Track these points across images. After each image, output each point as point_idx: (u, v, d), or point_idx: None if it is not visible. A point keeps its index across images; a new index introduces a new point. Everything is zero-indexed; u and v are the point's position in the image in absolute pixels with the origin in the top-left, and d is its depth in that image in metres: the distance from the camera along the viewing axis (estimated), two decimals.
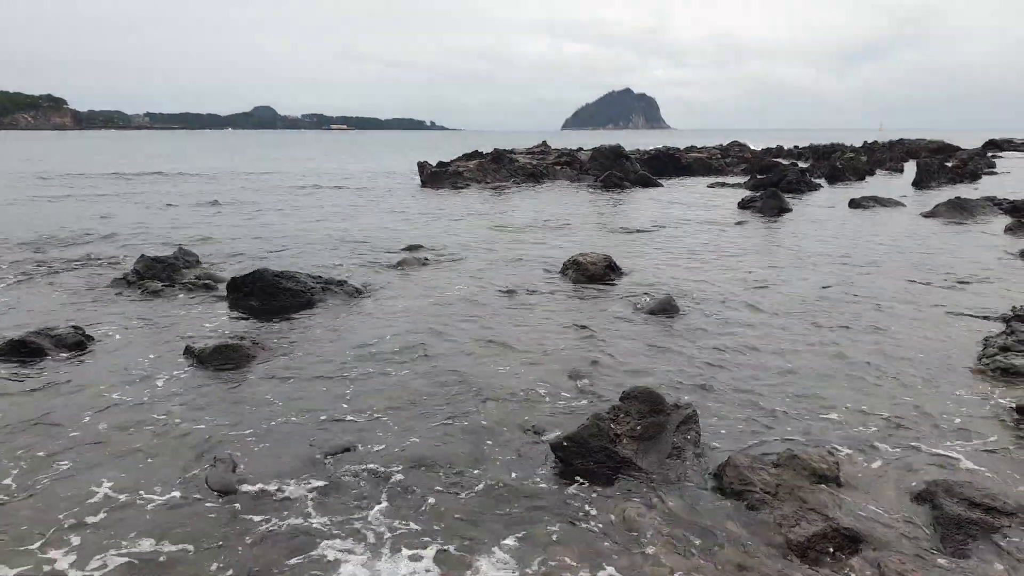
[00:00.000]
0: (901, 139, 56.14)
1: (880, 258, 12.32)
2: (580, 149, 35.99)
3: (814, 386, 6.29)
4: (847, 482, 4.55)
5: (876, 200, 20.82)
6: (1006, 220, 16.27)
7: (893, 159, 40.30)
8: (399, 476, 4.69)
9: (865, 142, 56.78)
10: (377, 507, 4.33)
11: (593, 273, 10.78)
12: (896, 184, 28.46)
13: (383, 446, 5.13)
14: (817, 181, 28.01)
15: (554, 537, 4.02)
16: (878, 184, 28.50)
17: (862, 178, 30.72)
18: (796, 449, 4.71)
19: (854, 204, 20.45)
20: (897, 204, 20.51)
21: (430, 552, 3.89)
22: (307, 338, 7.77)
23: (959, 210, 17.78)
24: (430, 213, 19.78)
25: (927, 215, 18.05)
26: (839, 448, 5.06)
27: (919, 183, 27.14)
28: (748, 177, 29.40)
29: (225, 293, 9.48)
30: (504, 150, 31.90)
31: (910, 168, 32.78)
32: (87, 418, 5.59)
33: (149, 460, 4.91)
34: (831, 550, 3.83)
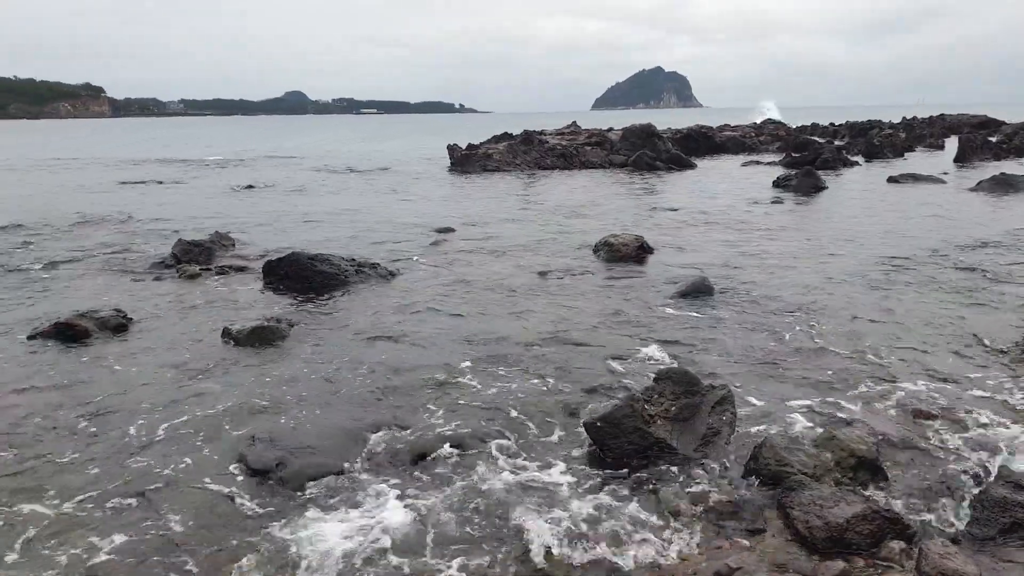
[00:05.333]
0: (942, 114, 54.60)
1: (920, 236, 12.04)
2: (611, 129, 35.64)
3: (852, 367, 6.19)
4: (887, 464, 4.48)
5: (915, 177, 20.36)
6: None
7: (933, 135, 39.28)
8: (435, 455, 4.74)
9: (904, 118, 55.41)
10: (414, 487, 4.37)
11: (625, 254, 10.71)
12: (936, 161, 27.76)
13: (420, 425, 5.17)
14: (854, 159, 27.45)
15: (588, 519, 4.03)
16: (917, 161, 27.83)
17: (901, 155, 30.02)
18: (834, 430, 4.65)
19: (892, 181, 20.02)
20: (937, 181, 20.02)
21: (467, 529, 3.92)
22: (342, 319, 7.84)
23: (1004, 186, 17.30)
24: (461, 196, 19.80)
25: (971, 190, 17.62)
26: (879, 428, 4.98)
27: (961, 159, 26.42)
28: (783, 155, 28.90)
29: (261, 275, 9.61)
30: (534, 131, 31.70)
31: (951, 144, 31.92)
32: (129, 399, 5.72)
33: (190, 440, 5.00)
34: (870, 532, 3.77)
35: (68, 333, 7.10)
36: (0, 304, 8.56)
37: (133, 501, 4.21)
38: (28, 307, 8.45)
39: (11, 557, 3.71)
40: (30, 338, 7.10)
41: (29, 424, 5.26)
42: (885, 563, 3.57)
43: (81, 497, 4.25)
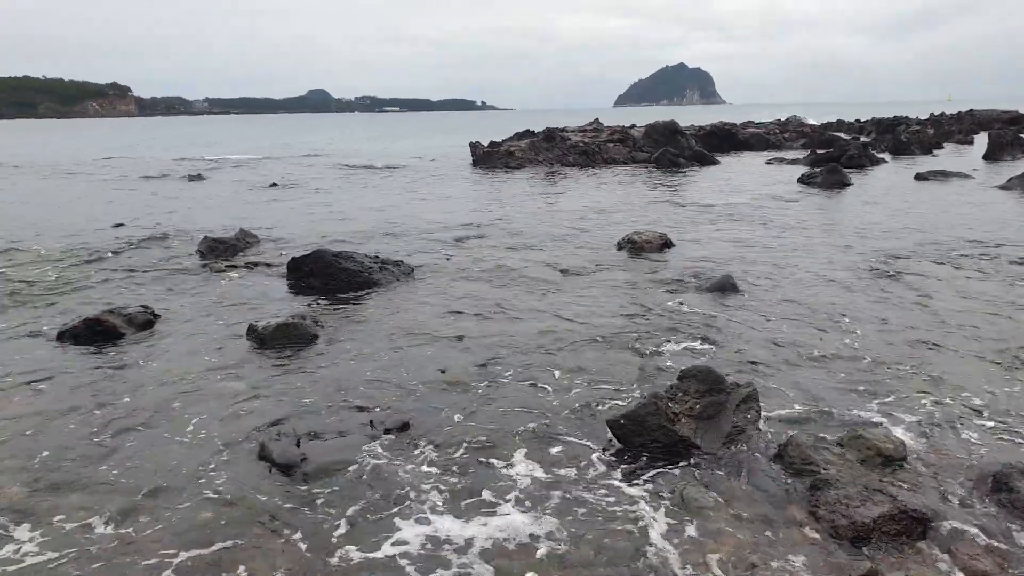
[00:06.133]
0: (971, 110, 53.68)
1: (949, 234, 11.86)
2: (633, 126, 35.48)
3: (878, 365, 6.12)
4: (914, 463, 4.43)
5: (943, 174, 20.04)
6: None
7: (962, 132, 38.65)
8: (456, 454, 4.75)
9: (932, 114, 54.59)
10: (434, 484, 4.39)
11: (649, 251, 10.67)
12: (965, 157, 27.33)
13: (441, 424, 5.19)
14: (880, 155, 27.08)
15: (612, 516, 4.02)
16: (946, 157, 27.42)
17: (928, 152, 29.57)
18: (861, 429, 4.60)
19: (919, 178, 19.72)
20: (967, 178, 19.70)
21: (486, 530, 3.94)
22: (366, 317, 7.89)
23: None
24: (483, 193, 19.81)
25: (1001, 188, 17.31)
26: (905, 428, 4.93)
27: (990, 156, 25.98)
28: (808, 152, 28.59)
29: (285, 273, 9.69)
30: (556, 128, 31.63)
31: (981, 141, 31.39)
32: (157, 393, 5.80)
33: (215, 435, 5.07)
34: (898, 533, 3.74)
35: (97, 329, 7.20)
36: (28, 300, 8.73)
37: (164, 503, 4.25)
38: (56, 304, 8.60)
39: (55, 566, 3.77)
40: (59, 335, 7.21)
41: (60, 425, 5.34)
42: (912, 563, 3.53)
43: (118, 501, 4.28)
